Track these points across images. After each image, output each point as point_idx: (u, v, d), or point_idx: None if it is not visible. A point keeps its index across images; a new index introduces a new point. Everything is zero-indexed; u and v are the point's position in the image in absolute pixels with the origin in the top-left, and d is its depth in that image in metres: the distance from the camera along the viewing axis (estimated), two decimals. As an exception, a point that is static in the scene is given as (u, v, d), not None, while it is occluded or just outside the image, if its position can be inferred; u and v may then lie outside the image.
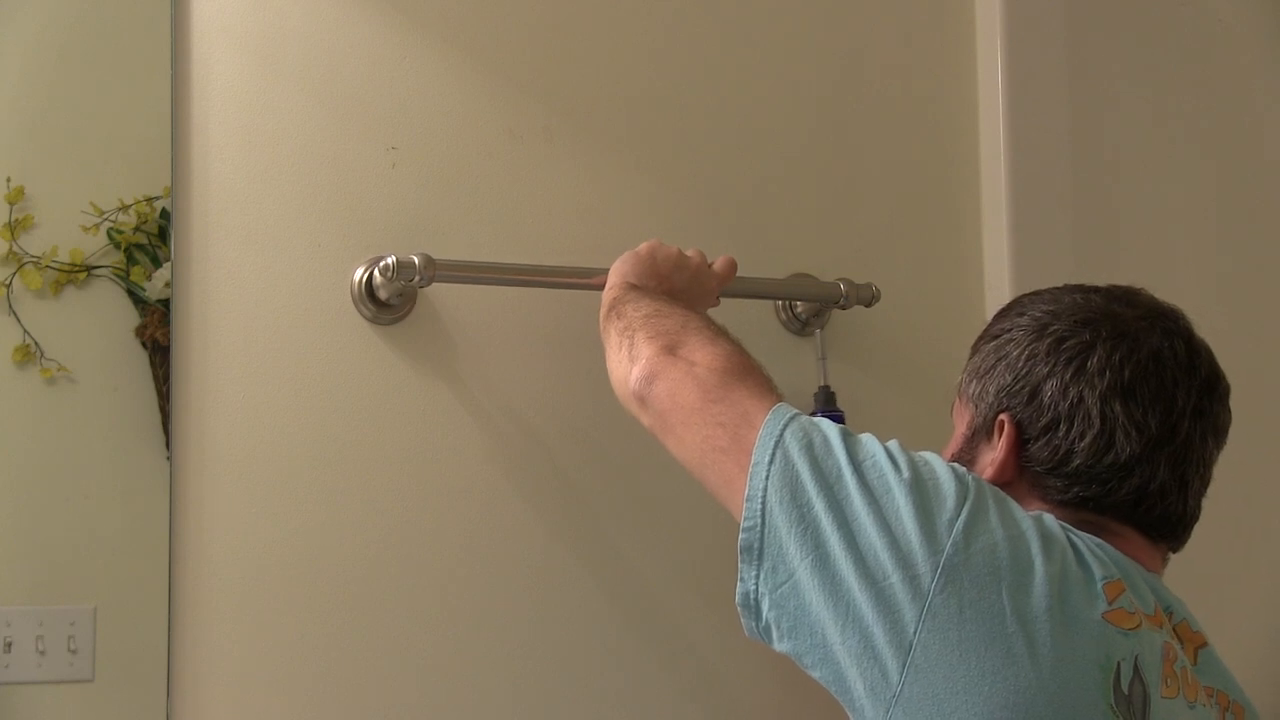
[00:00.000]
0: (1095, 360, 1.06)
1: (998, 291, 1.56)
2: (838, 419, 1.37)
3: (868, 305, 1.49)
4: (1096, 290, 1.13)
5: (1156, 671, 0.97)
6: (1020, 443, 1.09)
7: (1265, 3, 1.86)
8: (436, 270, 1.28)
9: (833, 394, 1.46)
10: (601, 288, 1.28)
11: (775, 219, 1.53)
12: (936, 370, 1.45)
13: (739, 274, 1.37)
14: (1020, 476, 1.09)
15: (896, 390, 1.55)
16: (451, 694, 1.34)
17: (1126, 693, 0.95)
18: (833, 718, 1.03)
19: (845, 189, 1.57)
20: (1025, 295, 1.18)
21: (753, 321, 1.47)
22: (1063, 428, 1.06)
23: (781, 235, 1.53)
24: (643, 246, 1.30)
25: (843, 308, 1.49)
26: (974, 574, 0.95)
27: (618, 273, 1.28)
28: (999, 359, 1.12)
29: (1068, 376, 1.07)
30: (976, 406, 1.13)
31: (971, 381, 1.14)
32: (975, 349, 1.17)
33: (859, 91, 1.58)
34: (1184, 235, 1.77)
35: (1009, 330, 1.13)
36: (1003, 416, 1.10)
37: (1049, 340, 1.09)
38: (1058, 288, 1.15)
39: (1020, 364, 1.10)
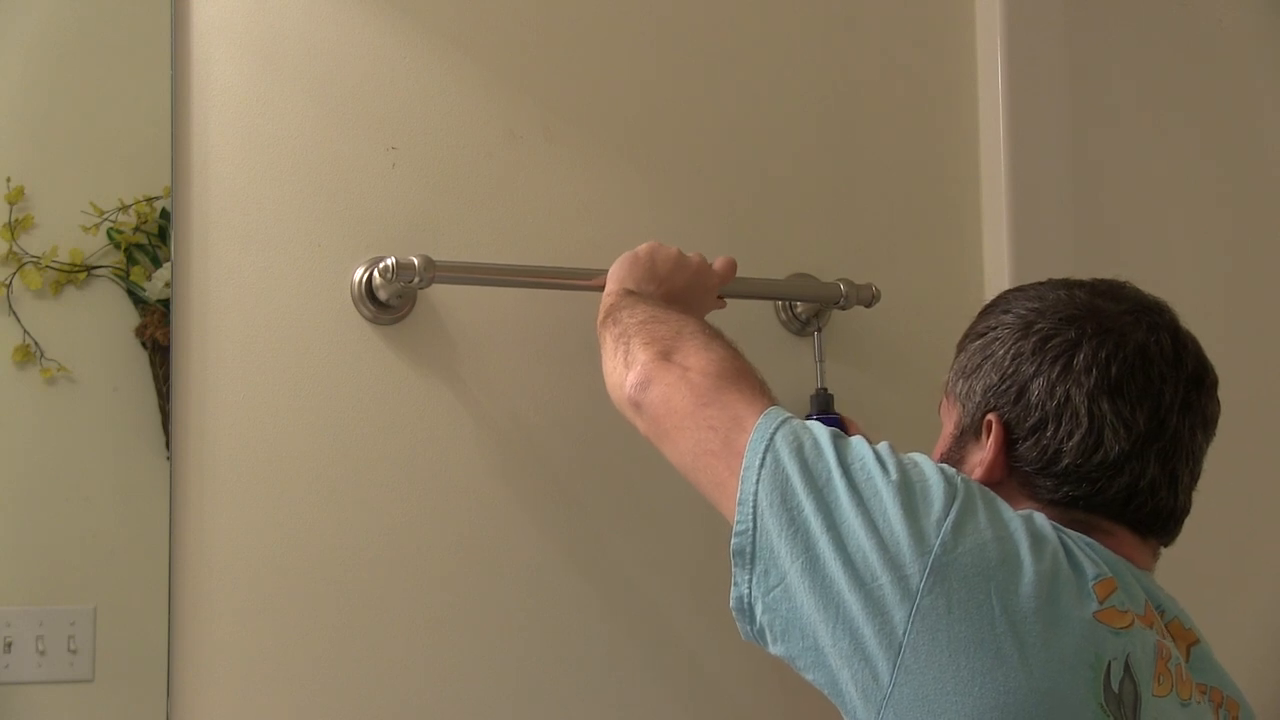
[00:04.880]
0: (1081, 358, 1.06)
1: (997, 292, 1.56)
2: (833, 423, 1.38)
3: (867, 305, 1.49)
4: (1081, 285, 1.13)
5: (1149, 670, 0.97)
6: (1009, 442, 1.08)
7: (1265, 3, 1.86)
8: (436, 272, 1.28)
9: (830, 396, 1.46)
10: (601, 289, 1.28)
11: (775, 219, 1.53)
12: (936, 371, 1.44)
13: (739, 274, 1.37)
14: (1010, 476, 1.08)
15: (896, 390, 1.55)
16: (451, 694, 1.34)
17: (1117, 691, 0.94)
18: (830, 718, 1.03)
19: (845, 189, 1.57)
20: (1010, 291, 1.17)
21: (752, 322, 1.47)
22: (1050, 427, 1.06)
23: (781, 235, 1.53)
24: (641, 248, 1.30)
25: (842, 308, 1.49)
26: (962, 574, 0.94)
27: (615, 278, 1.28)
28: (985, 358, 1.11)
29: (1054, 375, 1.06)
30: (964, 406, 1.13)
31: (958, 380, 1.14)
32: (961, 347, 1.16)
33: (859, 91, 1.58)
34: (1184, 235, 1.77)
35: (994, 328, 1.12)
36: (990, 416, 1.09)
37: (1035, 338, 1.08)
38: (1042, 283, 1.15)
39: (1006, 363, 1.09)
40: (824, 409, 1.45)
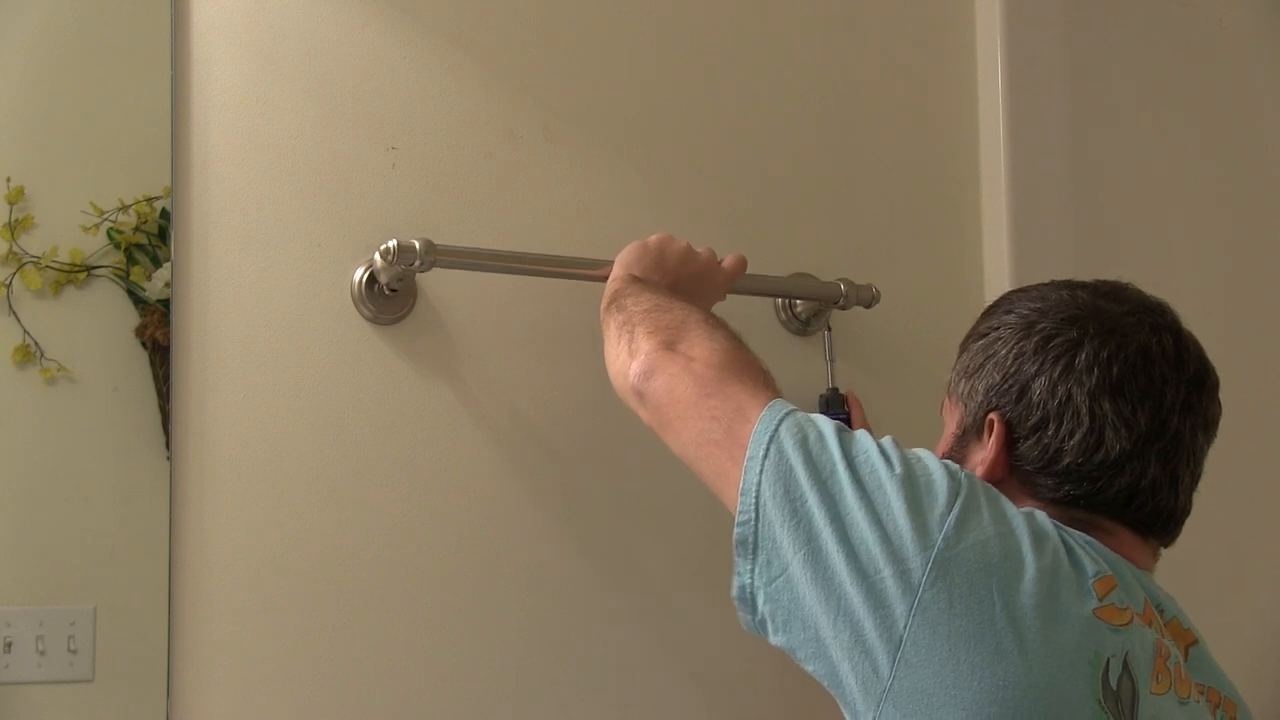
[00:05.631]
0: (1083, 358, 1.06)
1: (998, 292, 1.55)
2: (842, 420, 1.38)
3: (868, 306, 1.49)
4: (1084, 286, 1.13)
5: (1147, 668, 0.97)
6: (1010, 441, 1.09)
7: (1265, 3, 1.86)
8: (437, 255, 1.27)
9: (842, 397, 1.46)
10: (605, 279, 1.28)
11: (775, 219, 1.53)
12: (936, 371, 1.45)
13: (740, 272, 1.37)
14: (1011, 475, 1.09)
15: (896, 391, 1.55)
16: (451, 694, 1.34)
17: (1115, 688, 0.95)
18: (831, 712, 1.03)
19: (845, 189, 1.57)
20: (1013, 292, 1.18)
21: (753, 321, 1.46)
22: (1052, 426, 1.06)
23: (781, 235, 1.53)
24: (652, 239, 1.31)
25: (842, 308, 1.49)
26: (965, 569, 0.95)
27: (623, 263, 1.28)
28: (987, 357, 1.12)
29: (1056, 374, 1.07)
30: (966, 405, 1.13)
31: (960, 380, 1.14)
32: (964, 347, 1.17)
33: (859, 91, 1.58)
34: (1184, 235, 1.77)
35: (997, 328, 1.13)
36: (992, 415, 1.10)
37: (1036, 338, 1.09)
38: (1045, 284, 1.15)
39: (1008, 362, 1.10)
40: (831, 410, 1.45)
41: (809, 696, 1.11)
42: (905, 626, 0.94)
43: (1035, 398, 1.07)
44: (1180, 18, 1.79)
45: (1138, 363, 1.06)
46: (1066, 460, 1.06)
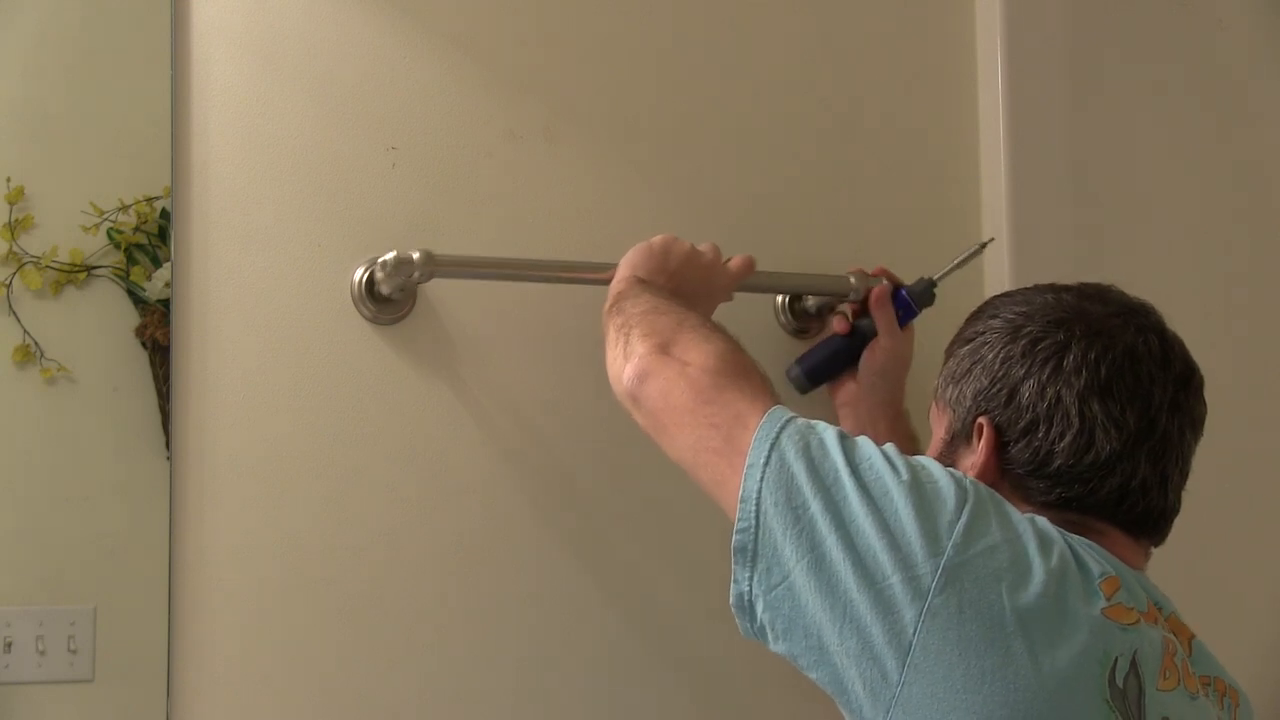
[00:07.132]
0: (1071, 360, 1.07)
1: (997, 291, 1.56)
2: (907, 308, 1.42)
3: (874, 303, 1.49)
4: (1068, 289, 1.13)
5: (1155, 665, 0.98)
6: (1000, 445, 1.09)
7: (1265, 3, 1.86)
8: (436, 266, 1.28)
9: (932, 291, 1.44)
10: (608, 283, 1.28)
11: (774, 220, 1.52)
12: (936, 372, 1.45)
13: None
14: (1002, 479, 1.08)
15: (896, 390, 1.55)
16: (452, 694, 1.34)
17: (1121, 687, 0.95)
18: (831, 716, 1.03)
19: (845, 190, 1.56)
20: (997, 296, 1.18)
21: (753, 323, 1.46)
22: (1042, 429, 1.06)
23: (780, 237, 1.52)
24: (656, 240, 1.30)
25: (853, 302, 1.48)
26: (975, 575, 0.95)
27: (627, 264, 1.28)
28: (974, 362, 1.12)
29: (1044, 377, 1.07)
30: (954, 411, 1.13)
31: (948, 386, 1.14)
32: (949, 353, 1.17)
33: (859, 91, 1.58)
34: (1184, 235, 1.77)
35: (983, 333, 1.13)
36: (981, 420, 1.10)
37: (1024, 341, 1.09)
38: (1029, 288, 1.16)
39: (996, 366, 1.10)
40: (911, 291, 1.44)
41: (812, 701, 1.11)
42: (914, 633, 0.94)
43: (1024, 400, 1.07)
44: (1180, 18, 1.79)
45: (1125, 363, 1.07)
46: (1058, 462, 1.06)
